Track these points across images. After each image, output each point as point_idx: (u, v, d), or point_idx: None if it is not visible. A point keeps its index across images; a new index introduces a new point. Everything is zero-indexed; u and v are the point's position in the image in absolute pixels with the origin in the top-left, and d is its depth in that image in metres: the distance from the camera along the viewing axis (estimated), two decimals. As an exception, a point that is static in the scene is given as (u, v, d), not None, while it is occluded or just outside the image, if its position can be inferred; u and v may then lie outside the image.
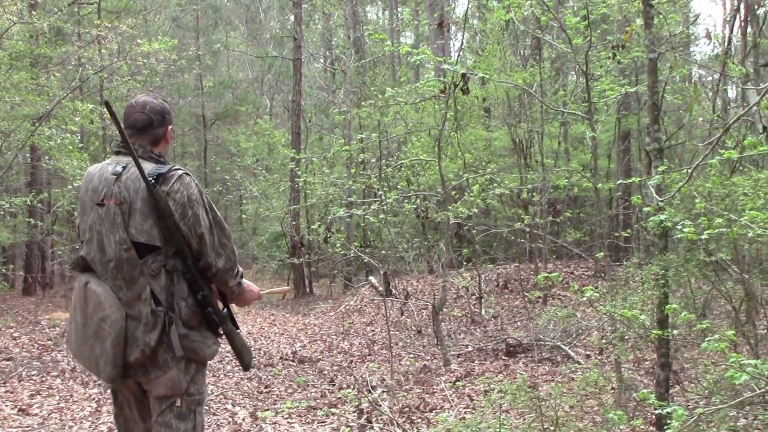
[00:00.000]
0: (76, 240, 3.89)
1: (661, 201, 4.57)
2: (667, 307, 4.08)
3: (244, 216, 27.80)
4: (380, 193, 11.18)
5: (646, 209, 4.61)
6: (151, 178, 3.50)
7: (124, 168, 3.59)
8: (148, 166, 3.56)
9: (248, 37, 38.90)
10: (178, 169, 3.62)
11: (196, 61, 31.88)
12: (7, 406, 8.15)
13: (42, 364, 10.88)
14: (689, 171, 3.84)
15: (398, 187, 12.22)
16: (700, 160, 3.86)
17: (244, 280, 3.88)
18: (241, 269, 3.84)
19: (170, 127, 3.84)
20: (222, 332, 3.78)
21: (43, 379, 9.85)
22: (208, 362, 3.84)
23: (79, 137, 14.54)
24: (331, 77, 30.86)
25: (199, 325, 3.64)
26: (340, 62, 27.26)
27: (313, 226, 14.59)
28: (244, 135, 27.95)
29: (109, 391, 3.90)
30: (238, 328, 3.88)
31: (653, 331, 4.23)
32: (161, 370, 3.55)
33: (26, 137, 12.50)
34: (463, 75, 9.13)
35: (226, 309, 3.82)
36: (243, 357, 3.93)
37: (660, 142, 5.42)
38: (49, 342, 12.64)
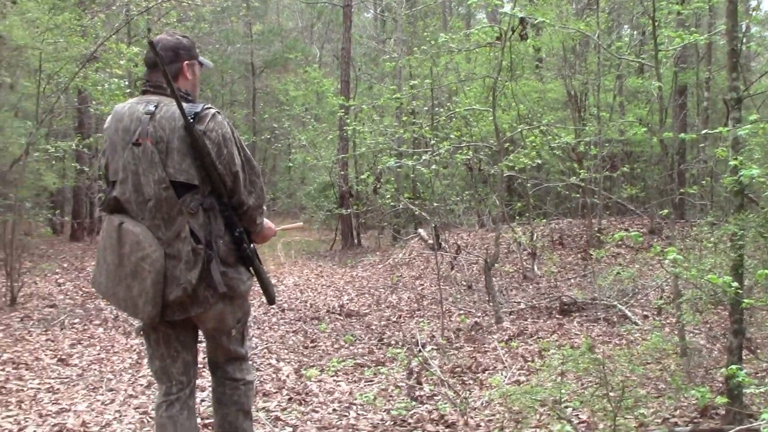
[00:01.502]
0: (103, 180, 3.81)
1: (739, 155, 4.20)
2: (759, 273, 3.70)
3: (292, 165, 27.46)
4: (432, 143, 10.82)
5: (731, 163, 4.20)
6: (189, 117, 3.48)
7: (156, 107, 3.58)
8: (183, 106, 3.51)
9: (298, -16, 38.52)
10: (210, 107, 3.64)
11: (243, 6, 31.61)
12: (47, 355, 8.07)
13: (85, 312, 10.79)
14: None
15: (450, 137, 11.80)
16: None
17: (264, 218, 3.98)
18: (265, 207, 3.92)
19: (186, 63, 3.78)
20: (251, 268, 3.85)
21: (85, 327, 9.76)
22: (253, 313, 3.92)
23: (126, 82, 14.28)
24: (381, 26, 30.40)
25: (235, 262, 3.70)
26: (391, 11, 26.76)
27: (361, 176, 14.26)
28: (293, 83, 27.61)
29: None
30: (261, 263, 3.91)
31: (745, 300, 3.84)
32: (201, 307, 3.59)
33: (69, 80, 12.25)
34: (522, 20, 8.74)
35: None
36: (270, 291, 4.00)
37: (738, 92, 5.00)
38: (94, 289, 12.49)
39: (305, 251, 21.43)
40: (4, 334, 9.03)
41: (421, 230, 17.75)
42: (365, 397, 6.33)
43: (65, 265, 16.15)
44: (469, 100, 14.06)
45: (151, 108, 3.56)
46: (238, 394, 3.92)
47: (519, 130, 12.05)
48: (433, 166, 10.78)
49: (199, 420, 5.06)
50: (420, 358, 7.49)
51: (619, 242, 13.53)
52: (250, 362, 4.02)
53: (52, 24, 11.75)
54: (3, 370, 7.25)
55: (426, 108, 15.18)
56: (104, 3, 15.00)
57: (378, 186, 11.38)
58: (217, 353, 3.89)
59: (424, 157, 10.80)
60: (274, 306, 11.64)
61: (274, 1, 38.05)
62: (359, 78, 26.66)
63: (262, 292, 3.99)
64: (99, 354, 8.17)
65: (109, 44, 12.76)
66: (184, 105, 3.50)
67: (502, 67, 11.06)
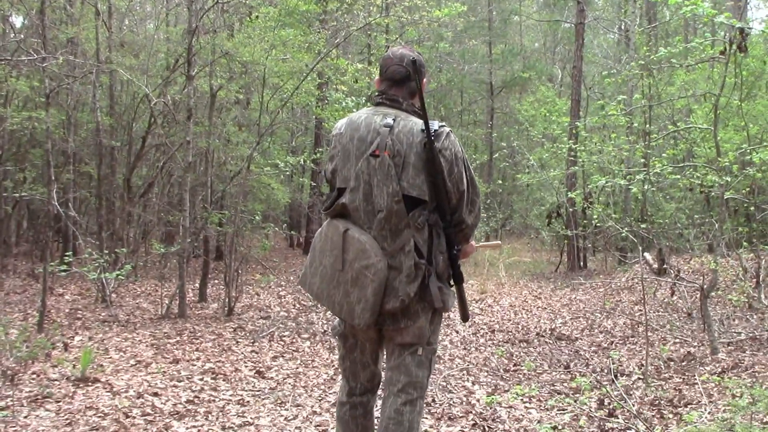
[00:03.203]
0: (327, 184, 3.99)
1: None
2: None
3: (526, 186, 27.27)
4: (642, 161, 10.38)
5: None
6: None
7: (394, 120, 3.70)
8: (419, 122, 3.65)
9: (542, 5, 38.49)
10: (444, 126, 3.73)
11: (485, 26, 31.85)
12: (247, 366, 8.28)
13: (296, 325, 11.10)
14: None
15: (662, 156, 11.26)
16: None
17: None
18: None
19: (424, 80, 3.86)
20: (454, 284, 3.89)
21: (293, 340, 10.00)
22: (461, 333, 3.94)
23: (362, 99, 14.58)
24: (623, 46, 29.78)
25: (447, 278, 3.77)
26: (628, 30, 26.15)
27: (570, 195, 13.86)
28: (528, 103, 27.47)
29: (337, 337, 4.02)
30: None
31: None
32: (411, 320, 3.66)
33: (290, 94, 12.62)
34: (741, 30, 8.23)
35: None
36: (466, 308, 4.05)
37: None
38: (311, 303, 12.81)
39: (530, 272, 21.16)
40: (213, 344, 9.39)
41: (646, 254, 17.09)
42: (545, 428, 6.05)
43: (291, 278, 16.73)
44: (697, 119, 13.39)
45: (390, 121, 3.68)
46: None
47: (745, 149, 11.35)
48: (647, 186, 10.34)
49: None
50: (610, 389, 7.12)
51: None
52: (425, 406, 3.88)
53: (278, 40, 12.19)
54: (201, 379, 7.49)
55: (656, 127, 14.62)
56: (325, 19, 15.41)
57: (586, 206, 11.03)
58: (399, 373, 3.78)
59: (637, 177, 10.39)
60: (484, 327, 11.59)
61: (516, 21, 38.13)
62: (590, 97, 26.20)
63: (458, 307, 4.02)
64: (297, 368, 8.28)
65: (330, 60, 13.09)
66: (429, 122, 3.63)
67: (726, 83, 10.46)
